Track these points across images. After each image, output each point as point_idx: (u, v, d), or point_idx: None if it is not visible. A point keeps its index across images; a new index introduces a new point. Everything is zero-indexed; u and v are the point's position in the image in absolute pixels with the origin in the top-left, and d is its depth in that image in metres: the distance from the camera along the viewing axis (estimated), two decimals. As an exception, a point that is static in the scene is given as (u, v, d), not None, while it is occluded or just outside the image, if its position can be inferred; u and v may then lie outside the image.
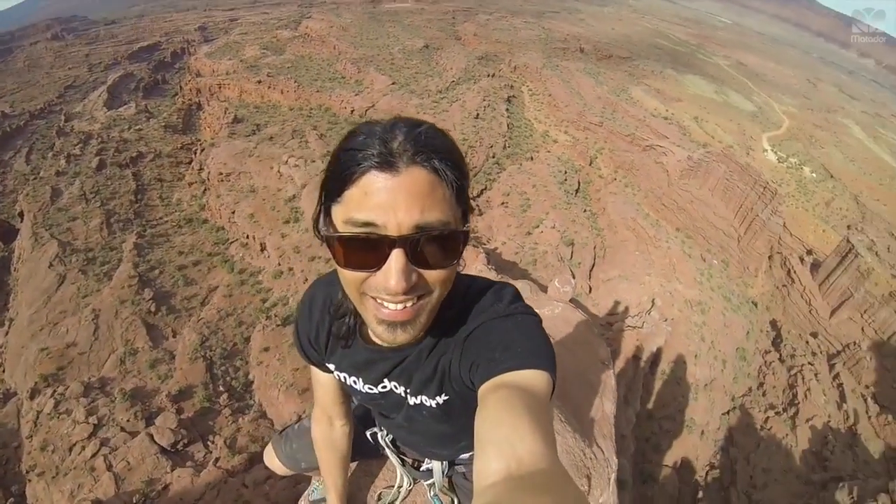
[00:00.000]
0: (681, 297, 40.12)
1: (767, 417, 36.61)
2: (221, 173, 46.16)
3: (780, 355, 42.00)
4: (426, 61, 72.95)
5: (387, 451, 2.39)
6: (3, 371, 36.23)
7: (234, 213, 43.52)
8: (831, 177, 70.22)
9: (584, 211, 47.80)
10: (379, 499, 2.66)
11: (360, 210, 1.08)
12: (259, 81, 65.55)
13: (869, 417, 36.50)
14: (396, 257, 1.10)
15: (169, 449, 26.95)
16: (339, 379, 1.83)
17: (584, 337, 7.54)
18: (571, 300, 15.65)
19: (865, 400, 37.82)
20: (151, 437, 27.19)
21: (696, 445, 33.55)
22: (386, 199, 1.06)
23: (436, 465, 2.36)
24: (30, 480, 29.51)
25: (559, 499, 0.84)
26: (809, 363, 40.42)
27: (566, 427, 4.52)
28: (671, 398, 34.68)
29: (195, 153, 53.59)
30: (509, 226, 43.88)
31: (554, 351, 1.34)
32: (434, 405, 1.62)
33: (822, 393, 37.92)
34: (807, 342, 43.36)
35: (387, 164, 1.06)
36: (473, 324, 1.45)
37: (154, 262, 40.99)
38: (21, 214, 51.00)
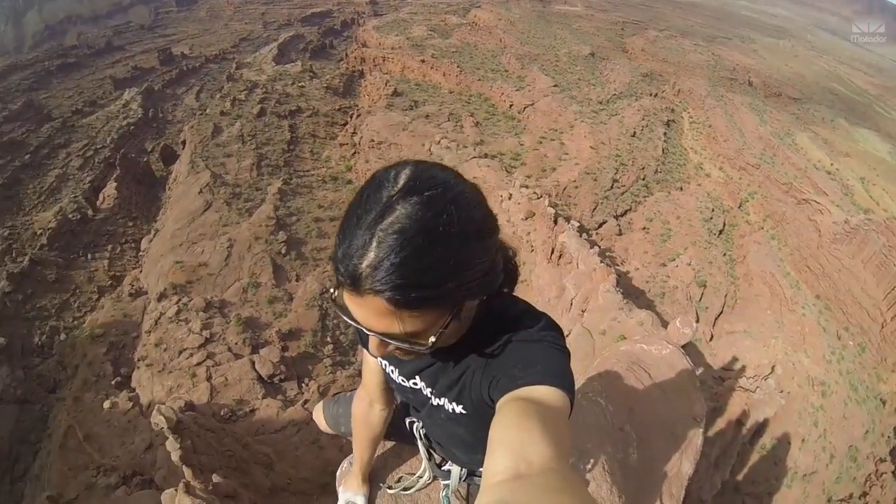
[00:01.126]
0: (804, 371, 36.52)
1: None
2: (373, 140, 48.28)
3: None
4: (590, 69, 72.06)
5: (419, 442, 2.55)
6: (141, 272, 41.48)
7: None
8: None
9: (724, 255, 45.53)
10: (398, 481, 2.86)
11: (345, 303, 1.28)
12: (423, 60, 67.79)
13: None
14: (372, 338, 1.34)
15: (265, 379, 28.82)
16: (381, 366, 2.08)
17: (683, 387, 7.33)
18: (688, 344, 15.18)
19: None
20: (253, 363, 29.25)
21: (775, 539, 30.44)
22: (356, 311, 1.25)
23: (455, 469, 2.56)
24: (138, 367, 34.45)
25: (567, 499, 0.88)
26: None
27: (605, 477, 4.48)
28: (764, 477, 31.69)
29: (351, 117, 56.37)
30: (645, 252, 42.68)
31: (573, 378, 1.44)
32: (452, 411, 1.78)
33: None
34: None
35: (354, 288, 1.18)
36: (500, 344, 1.55)
37: (293, 209, 43.78)
38: (183, 143, 56.73)
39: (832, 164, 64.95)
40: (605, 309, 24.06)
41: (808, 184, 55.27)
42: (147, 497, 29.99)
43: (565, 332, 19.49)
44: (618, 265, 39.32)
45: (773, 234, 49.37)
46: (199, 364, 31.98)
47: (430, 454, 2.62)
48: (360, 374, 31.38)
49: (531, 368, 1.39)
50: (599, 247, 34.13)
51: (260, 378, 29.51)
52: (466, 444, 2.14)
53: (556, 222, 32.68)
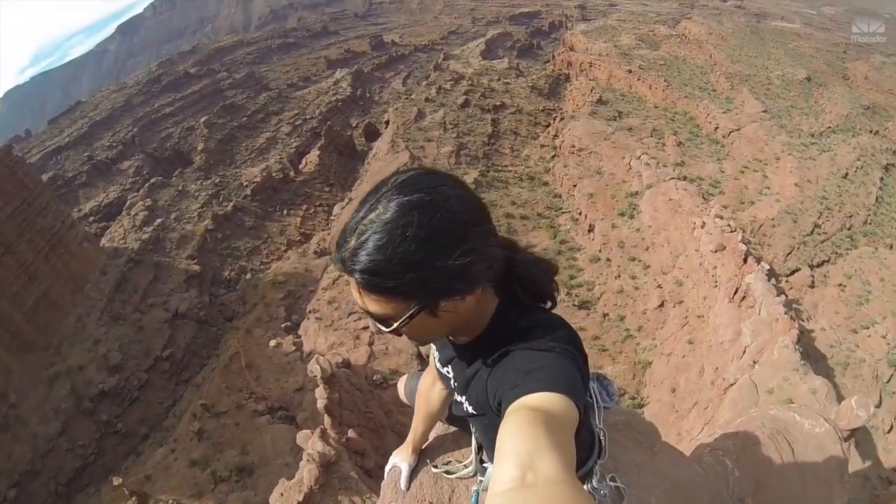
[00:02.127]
0: None
1: None
2: (574, 146, 47.50)
3: None
4: (804, 96, 65.05)
5: (473, 435, 2.55)
6: (329, 234, 44.84)
7: (575, 186, 44.50)
8: None
9: None
10: (445, 463, 2.88)
11: None
12: (629, 71, 65.89)
13: None
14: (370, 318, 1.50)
15: (425, 357, 29.10)
16: (433, 347, 2.15)
17: (827, 476, 6.42)
18: (859, 429, 12.63)
19: None
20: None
21: None
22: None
23: (490, 468, 2.20)
24: (308, 318, 37.60)
25: None
26: None
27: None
28: None
29: (554, 119, 56.06)
30: (837, 313, 37.27)
31: (580, 387, 1.44)
32: (466, 410, 1.82)
33: None
34: None
35: (341, 268, 1.36)
36: (504, 351, 1.56)
37: (487, 202, 42.22)
38: (387, 123, 59.42)
39: None
40: (778, 365, 22.06)
41: None
42: (285, 430, 31.81)
43: (731, 381, 23.08)
44: (803, 321, 34.85)
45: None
46: (364, 328, 33.87)
47: (480, 448, 2.59)
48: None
49: (535, 375, 1.38)
50: (787, 296, 30.49)
51: (419, 355, 30.21)
52: (487, 443, 2.12)
53: (745, 261, 30.05)
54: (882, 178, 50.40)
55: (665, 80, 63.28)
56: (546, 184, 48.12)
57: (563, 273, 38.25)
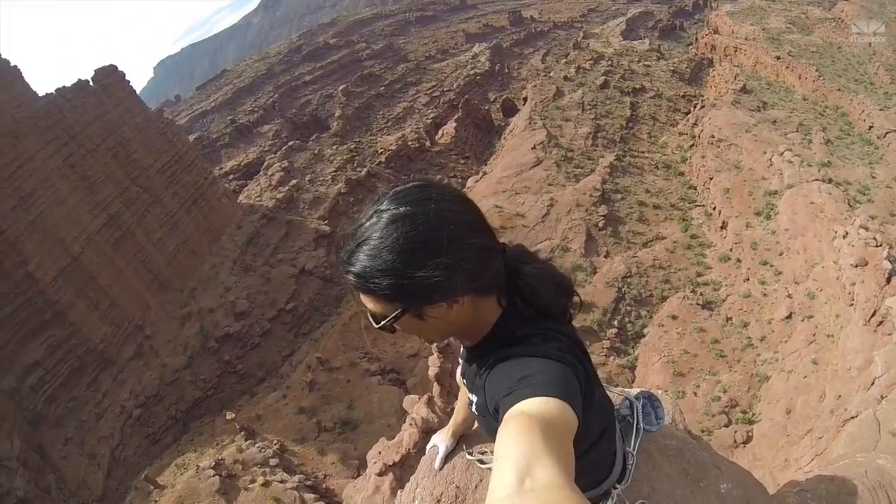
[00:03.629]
0: None
1: None
2: (714, 136, 46.13)
3: None
4: None
5: None
6: None
7: (711, 179, 43.46)
8: None
9: None
10: (481, 453, 2.92)
11: None
12: (778, 57, 62.28)
13: None
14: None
15: None
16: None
17: None
18: None
19: None
20: None
21: None
22: None
23: None
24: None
25: None
26: None
27: None
28: None
29: (694, 107, 54.78)
30: None
31: (577, 391, 1.47)
32: (475, 410, 1.99)
33: None
34: None
35: (342, 270, 1.57)
36: (504, 356, 1.64)
37: (620, 188, 44.25)
38: (525, 99, 60.56)
39: None
40: None
41: None
42: (393, 393, 34.76)
43: (852, 414, 18.38)
44: None
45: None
46: None
47: None
48: (631, 369, 31.68)
49: (531, 381, 1.44)
50: None
51: None
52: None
53: (888, 281, 25.66)
54: None
55: (817, 70, 58.62)
56: (682, 174, 47.55)
57: (690, 269, 37.90)
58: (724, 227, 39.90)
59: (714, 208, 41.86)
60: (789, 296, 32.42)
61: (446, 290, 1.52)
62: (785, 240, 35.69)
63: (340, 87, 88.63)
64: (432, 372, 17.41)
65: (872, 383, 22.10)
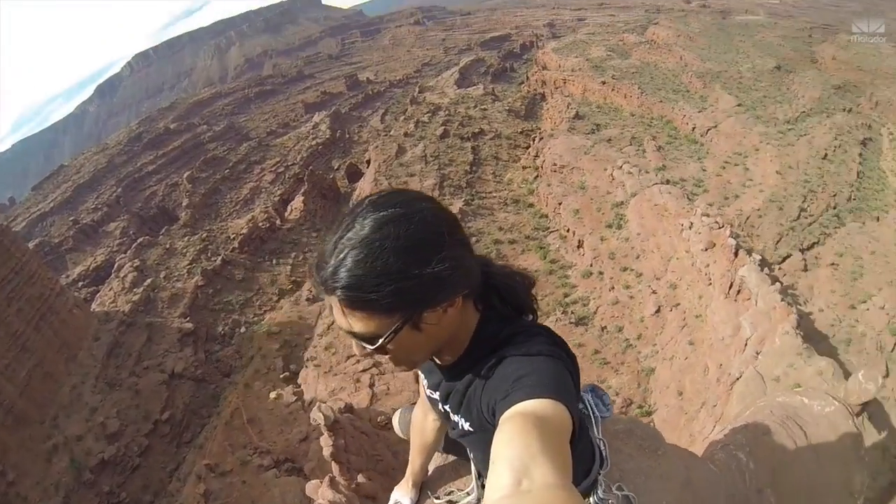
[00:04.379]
0: None
1: None
2: (555, 164, 47.83)
3: None
4: (776, 84, 66.39)
5: (471, 461, 2.49)
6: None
7: (560, 204, 44.74)
8: None
9: None
10: (447, 493, 2.84)
11: None
12: (603, 82, 66.74)
13: None
14: (354, 340, 1.48)
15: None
16: (421, 375, 2.14)
17: (843, 453, 6.56)
18: (871, 402, 12.70)
19: None
20: (417, 377, 29.64)
21: None
22: (333, 311, 1.44)
23: None
24: (306, 366, 37.19)
25: None
26: None
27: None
28: None
29: (533, 140, 56.35)
30: (833, 292, 37.14)
31: (573, 389, 1.47)
32: (462, 428, 1.79)
33: None
34: None
35: (323, 289, 1.38)
36: (494, 361, 1.57)
37: (474, 231, 44.18)
38: (368, 162, 59.94)
39: None
40: (781, 353, 22.20)
41: None
42: (293, 483, 31.32)
43: (736, 376, 22.65)
44: (800, 305, 34.73)
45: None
46: (364, 371, 33.73)
47: (479, 472, 2.53)
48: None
49: (526, 382, 1.39)
50: (781, 283, 30.67)
51: None
52: (485, 462, 1.80)
53: (736, 254, 30.51)
54: (861, 154, 50.89)
55: (639, 88, 64.14)
56: (531, 205, 48.37)
57: (556, 292, 38.63)
58: (580, 245, 41.25)
59: (568, 230, 43.22)
60: (654, 292, 34.92)
61: (451, 286, 1.44)
62: (639, 243, 38.37)
63: (185, 174, 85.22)
64: (327, 452, 17.48)
65: (746, 345, 25.27)
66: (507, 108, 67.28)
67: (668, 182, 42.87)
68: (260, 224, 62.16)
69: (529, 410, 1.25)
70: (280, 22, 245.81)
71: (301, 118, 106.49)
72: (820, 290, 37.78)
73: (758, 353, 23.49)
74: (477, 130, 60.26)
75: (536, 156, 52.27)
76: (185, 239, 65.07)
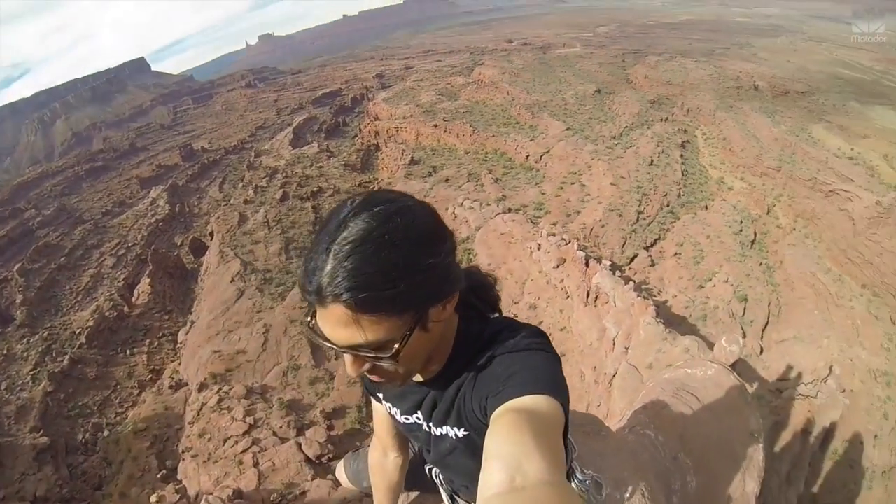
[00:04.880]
0: (864, 365, 34.19)
1: None
2: None
3: None
4: (599, 106, 72.30)
5: (440, 488, 2.43)
6: (179, 364, 41.90)
7: None
8: None
9: (760, 264, 44.22)
10: None
11: (319, 322, 1.34)
12: (435, 125, 69.08)
13: None
14: (346, 357, 1.37)
15: (314, 460, 28.51)
16: (385, 407, 2.08)
17: (735, 404, 7.11)
18: (738, 361, 15.08)
19: None
20: (299, 445, 29.03)
21: (867, 545, 28.69)
22: (325, 325, 1.31)
23: None
24: (184, 459, 33.77)
25: None
26: None
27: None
28: (841, 483, 29.60)
29: (372, 191, 57.69)
30: (681, 278, 41.57)
31: (563, 383, 1.45)
32: (455, 437, 1.74)
33: None
34: None
35: (317, 301, 1.26)
36: (486, 360, 1.56)
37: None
38: (211, 234, 58.15)
39: (852, 149, 62.62)
40: (648, 342, 23.66)
41: (832, 174, 53.29)
42: None
43: (612, 374, 21.24)
44: (655, 296, 38.19)
45: (806, 233, 47.43)
46: (244, 451, 31.91)
47: (453, 500, 2.46)
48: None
49: (518, 379, 1.39)
50: (634, 281, 33.18)
51: (308, 459, 29.20)
52: (474, 474, 1.70)
53: (587, 265, 32.14)
54: (682, 155, 57.09)
55: (470, 126, 66.87)
56: None
57: None
58: None
59: None
60: (514, 316, 34.83)
61: (454, 278, 1.41)
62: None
63: (15, 267, 76.85)
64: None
65: (614, 344, 26.27)
66: (344, 162, 68.13)
67: (510, 210, 44.98)
68: (107, 314, 58.17)
69: (522, 407, 1.27)
70: (108, 91, 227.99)
71: (137, 195, 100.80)
72: (670, 279, 41.56)
73: (627, 348, 24.64)
74: (316, 189, 60.61)
75: None
76: (25, 341, 59.50)
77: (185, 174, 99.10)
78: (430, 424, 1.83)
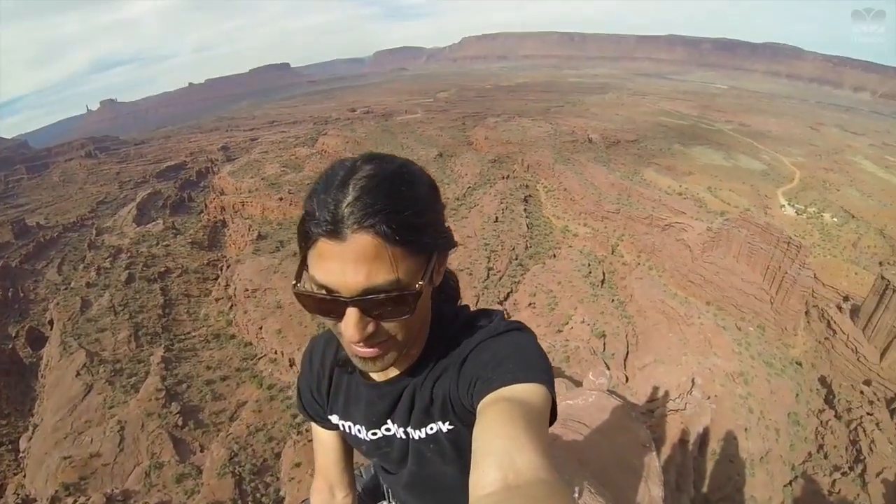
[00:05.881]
0: (721, 371, 38.76)
1: (834, 481, 34.19)
2: (248, 289, 47.82)
3: (836, 412, 39.54)
4: (441, 169, 74.77)
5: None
6: (24, 476, 36.45)
7: (261, 328, 44.53)
8: (853, 217, 66.53)
9: (612, 300, 47.26)
10: None
11: (318, 271, 1.19)
12: (280, 198, 68.65)
13: (946, 453, 33.19)
14: (350, 314, 1.20)
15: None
16: (343, 429, 1.83)
17: (622, 422, 7.32)
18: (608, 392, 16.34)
19: (938, 436, 34.57)
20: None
21: (762, 524, 31.15)
22: (335, 266, 1.15)
23: None
24: None
25: None
26: (868, 413, 37.97)
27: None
28: (726, 478, 32.75)
29: (221, 269, 55.82)
30: (538, 326, 43.35)
31: (550, 365, 1.39)
32: (439, 434, 1.59)
33: (887, 442, 35.32)
34: (861, 392, 40.63)
35: (335, 232, 1.13)
36: (468, 346, 1.48)
37: (182, 377, 41.78)
38: (51, 323, 53.03)
39: (681, 185, 70.83)
40: None
41: (666, 210, 59.64)
42: None
43: None
44: None
45: (650, 266, 52.14)
46: None
47: None
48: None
49: (504, 366, 1.32)
50: None
51: None
52: (461, 487, 1.36)
53: None
54: (525, 209, 60.83)
55: None
56: (233, 336, 47.47)
57: (284, 415, 37.85)
58: (292, 364, 41.22)
59: (276, 352, 43.13)
60: None
61: (450, 234, 1.36)
62: None
63: None
64: None
65: None
66: (190, 240, 65.76)
67: None
68: (-70, 422, 50.90)
69: (512, 396, 1.20)
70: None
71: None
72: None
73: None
74: (163, 269, 57.95)
75: (227, 285, 51.96)
76: None
77: (19, 254, 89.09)
78: (410, 429, 1.65)
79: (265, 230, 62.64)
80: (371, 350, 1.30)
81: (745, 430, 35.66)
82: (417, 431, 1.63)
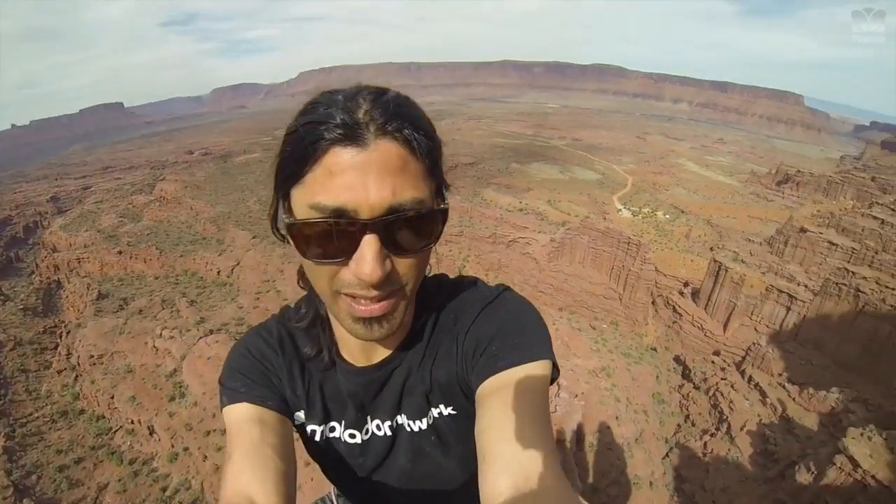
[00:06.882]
0: (583, 370, 41.41)
1: (705, 443, 37.96)
2: (93, 356, 42.38)
3: (694, 383, 44.20)
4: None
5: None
6: None
7: (113, 397, 39.59)
8: (682, 212, 77.72)
9: None
10: None
11: (326, 193, 0.93)
12: (120, 252, 63.20)
13: (793, 399, 38.41)
14: (369, 243, 0.95)
15: None
16: (317, 436, 1.41)
17: None
18: None
19: (783, 386, 39.82)
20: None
21: (651, 498, 34.22)
22: (354, 179, 0.92)
23: None
24: None
25: None
26: (723, 379, 42.62)
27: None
28: (608, 465, 35.16)
29: (60, 337, 49.46)
30: None
31: (548, 329, 1.26)
32: (442, 421, 1.34)
33: (743, 398, 39.71)
34: (713, 362, 46.08)
35: (353, 137, 0.92)
36: (465, 316, 1.31)
37: (30, 467, 35.53)
38: None
39: (521, 202, 74.58)
40: None
41: (508, 226, 62.49)
42: None
43: None
44: None
45: (498, 282, 54.05)
46: None
47: None
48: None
49: (507, 342, 1.18)
50: None
51: None
52: (457, 477, 1.43)
53: None
54: None
55: (157, 248, 63.20)
56: (83, 411, 41.74)
57: (153, 491, 34.18)
58: (152, 432, 37.22)
59: (132, 422, 38.64)
60: None
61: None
62: (209, 401, 35.87)
63: None
64: None
65: None
66: (22, 306, 57.00)
67: (211, 332, 42.42)
68: None
69: (517, 381, 1.08)
70: None
71: None
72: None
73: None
74: (-7, 344, 50.26)
75: (69, 354, 45.86)
76: None
77: None
78: (407, 421, 1.38)
79: (106, 288, 56.60)
80: (380, 305, 1.05)
81: (616, 417, 38.87)
82: (417, 422, 1.37)
